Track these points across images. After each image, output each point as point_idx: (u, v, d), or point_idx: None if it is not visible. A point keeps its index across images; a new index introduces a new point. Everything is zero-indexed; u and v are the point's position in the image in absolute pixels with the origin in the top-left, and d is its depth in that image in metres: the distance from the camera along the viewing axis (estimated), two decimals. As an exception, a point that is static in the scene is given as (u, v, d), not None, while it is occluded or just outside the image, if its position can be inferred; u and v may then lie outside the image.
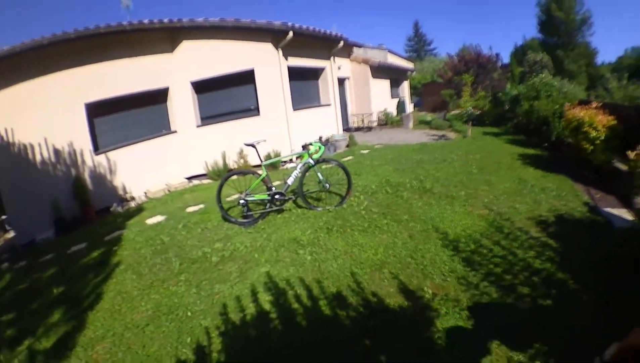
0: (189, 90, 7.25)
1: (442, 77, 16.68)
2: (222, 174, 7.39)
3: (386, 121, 15.44)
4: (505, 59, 19.11)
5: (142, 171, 6.50)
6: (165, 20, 6.49)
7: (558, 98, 7.99)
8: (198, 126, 7.45)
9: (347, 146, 10.11)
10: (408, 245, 3.71)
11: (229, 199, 5.71)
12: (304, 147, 4.69)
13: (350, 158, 8.50)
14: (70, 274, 3.86)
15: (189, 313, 2.85)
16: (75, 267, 3.97)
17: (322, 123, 9.88)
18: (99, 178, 5.77)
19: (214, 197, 5.53)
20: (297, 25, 7.14)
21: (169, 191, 6.72)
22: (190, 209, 5.37)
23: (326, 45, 9.35)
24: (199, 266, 3.54)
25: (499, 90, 11.52)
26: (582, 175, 5.70)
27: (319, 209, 4.81)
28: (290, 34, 7.02)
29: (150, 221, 4.98)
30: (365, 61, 13.66)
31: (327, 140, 9.25)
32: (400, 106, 16.02)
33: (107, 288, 3.41)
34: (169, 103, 7.18)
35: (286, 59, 7.55)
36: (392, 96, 17.17)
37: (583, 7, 35.31)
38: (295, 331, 2.54)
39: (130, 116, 6.66)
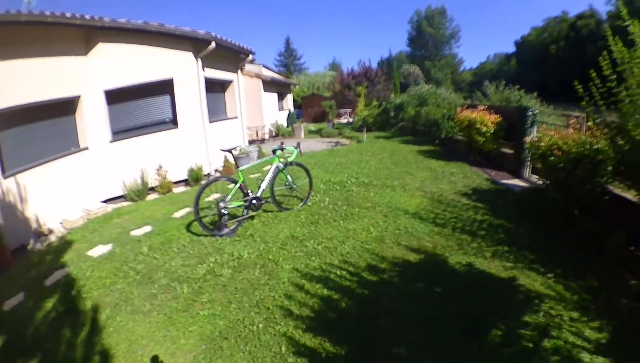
0: (102, 100, 6.35)
1: (330, 90, 18.84)
2: (142, 194, 6.76)
3: (277, 133, 16.43)
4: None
5: (55, 197, 5.26)
6: (87, 16, 5.43)
7: (444, 104, 10.60)
8: (111, 142, 6.57)
9: (258, 156, 10.57)
10: (388, 222, 4.67)
11: (178, 214, 5.49)
12: (274, 151, 5.05)
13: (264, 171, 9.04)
14: (35, 338, 2.84)
15: (254, 328, 2.72)
16: (32, 327, 2.98)
17: (231, 136, 10.02)
18: (9, 208, 4.41)
19: (155, 217, 5.32)
20: (218, 35, 7.29)
21: (88, 218, 5.70)
22: (136, 232, 4.79)
23: (234, 58, 9.62)
24: (213, 283, 3.41)
25: (384, 99, 14.06)
26: (475, 161, 7.97)
27: (290, 209, 5.24)
28: (213, 44, 7.08)
29: (94, 252, 4.25)
30: (257, 75, 14.38)
31: (243, 150, 9.53)
32: (291, 118, 17.31)
33: (111, 342, 2.70)
34: (77, 115, 6.05)
35: (203, 69, 7.54)
36: (280, 109, 18.38)
37: (453, 22, 45.04)
38: (363, 296, 3.04)
39: (37, 130, 5.26)
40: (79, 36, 5.89)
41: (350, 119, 19.72)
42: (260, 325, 2.75)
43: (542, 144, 4.68)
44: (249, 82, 14.38)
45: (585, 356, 2.24)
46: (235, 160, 9.46)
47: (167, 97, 7.27)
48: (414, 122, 12.30)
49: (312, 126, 19.56)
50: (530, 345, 2.38)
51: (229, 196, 4.51)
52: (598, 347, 2.32)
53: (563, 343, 2.36)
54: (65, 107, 5.92)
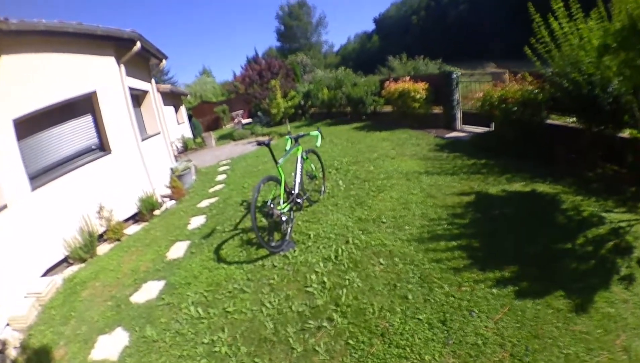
0: (11, 134, 4.11)
1: (235, 93, 17.24)
2: (92, 248, 4.86)
3: (186, 147, 14.51)
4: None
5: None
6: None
7: (362, 83, 10.85)
8: (33, 190, 4.41)
9: (195, 171, 9.20)
10: (416, 183, 4.80)
11: (175, 253, 4.17)
12: (296, 140, 4.31)
13: (224, 176, 7.92)
14: None
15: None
16: None
17: (159, 154, 8.28)
18: None
19: (144, 268, 3.97)
20: (141, 35, 5.66)
21: (42, 304, 3.77)
22: (139, 296, 3.40)
23: (147, 64, 7.76)
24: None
25: (291, 89, 13.66)
26: (412, 126, 8.52)
27: (317, 202, 4.65)
28: (138, 44, 5.40)
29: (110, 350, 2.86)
30: (156, 88, 12.16)
31: (185, 166, 8.05)
32: (197, 128, 15.42)
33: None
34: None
35: (126, 77, 5.83)
36: (178, 122, 16.22)
37: (317, 11, 45.27)
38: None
39: None
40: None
41: (243, 121, 18.74)
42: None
43: (495, 96, 5.55)
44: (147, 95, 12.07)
45: (605, 214, 3.28)
46: (179, 178, 8.01)
47: (89, 118, 5.39)
48: (329, 106, 12.44)
49: (213, 134, 17.91)
50: (576, 215, 3.39)
51: (281, 199, 3.62)
52: (605, 207, 3.44)
53: (590, 210, 3.41)
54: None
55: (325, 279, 2.94)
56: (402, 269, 2.92)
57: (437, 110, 8.34)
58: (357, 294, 2.69)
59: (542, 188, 4.07)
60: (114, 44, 5.42)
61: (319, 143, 4.51)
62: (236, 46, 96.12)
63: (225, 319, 2.73)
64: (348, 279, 2.90)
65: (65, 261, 4.77)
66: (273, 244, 3.53)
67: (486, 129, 6.94)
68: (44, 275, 4.42)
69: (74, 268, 4.62)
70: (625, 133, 4.27)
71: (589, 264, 2.64)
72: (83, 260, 4.76)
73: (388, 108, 10.03)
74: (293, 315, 2.60)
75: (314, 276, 3.01)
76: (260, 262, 3.43)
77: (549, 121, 5.34)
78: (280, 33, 46.95)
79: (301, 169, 4.17)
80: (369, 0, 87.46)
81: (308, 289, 2.86)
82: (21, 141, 4.36)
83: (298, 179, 4.06)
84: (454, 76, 7.61)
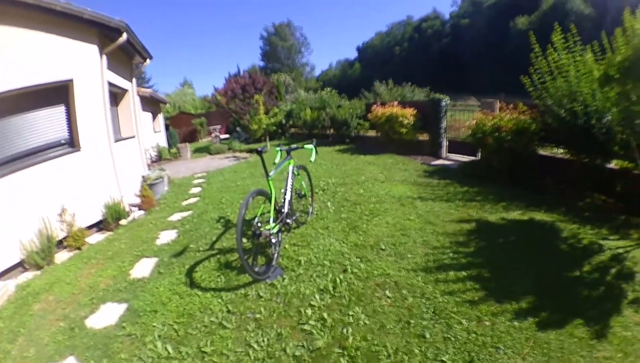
0: None
1: (216, 105, 16.56)
2: (49, 254, 4.07)
3: (160, 156, 13.64)
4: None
5: None
6: None
7: (347, 105, 10.70)
8: None
9: (168, 181, 8.50)
10: (411, 208, 4.55)
11: (140, 272, 3.53)
12: (288, 153, 3.89)
13: (199, 189, 7.31)
14: None
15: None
16: None
17: (132, 161, 7.55)
18: None
19: (102, 286, 3.35)
20: (129, 27, 5.13)
21: None
22: (95, 321, 2.67)
23: (130, 61, 7.14)
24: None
25: (274, 106, 13.30)
26: (396, 151, 8.37)
27: (304, 223, 4.22)
28: (124, 35, 4.84)
29: None
30: (137, 91, 11.40)
31: (157, 175, 7.36)
32: (174, 138, 14.60)
33: None
34: None
35: (107, 71, 5.23)
36: (154, 130, 15.35)
37: (301, 31, 45.48)
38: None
39: None
40: None
41: (221, 136, 18.14)
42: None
43: (489, 124, 5.52)
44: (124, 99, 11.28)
45: (603, 242, 3.32)
46: (150, 187, 7.29)
47: (62, 108, 4.72)
48: (311, 127, 12.21)
49: (189, 146, 17.10)
50: (577, 243, 3.37)
51: (271, 218, 3.14)
52: (601, 235, 3.49)
53: (588, 238, 3.43)
54: None
55: (325, 314, 2.48)
56: (412, 303, 2.56)
57: (422, 137, 8.34)
58: (365, 333, 2.27)
59: (540, 216, 4.03)
60: (98, 32, 4.86)
61: (313, 158, 4.11)
62: (218, 63, 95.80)
63: (200, 361, 2.20)
64: (352, 315, 2.47)
65: (21, 266, 4.01)
66: (257, 269, 3.02)
67: (472, 158, 6.98)
68: (-1, 277, 3.64)
69: (29, 274, 3.89)
70: (612, 164, 4.49)
71: (599, 290, 2.64)
72: (39, 267, 4.03)
73: (372, 133, 9.94)
74: (289, 360, 2.12)
75: (309, 311, 2.54)
76: (242, 290, 2.90)
77: (538, 151, 5.45)
78: (265, 52, 47.21)
79: (292, 185, 3.72)
80: (352, 29, 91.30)
81: (304, 327, 2.40)
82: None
83: (288, 197, 3.58)
84: (443, 103, 7.66)
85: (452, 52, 39.40)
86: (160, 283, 3.19)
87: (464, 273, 2.90)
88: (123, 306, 2.91)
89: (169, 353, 2.28)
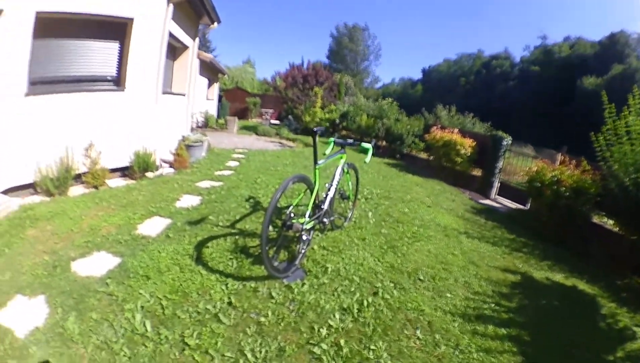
0: (29, 26, 3.29)
1: (273, 89, 16.57)
2: (64, 185, 3.93)
3: (207, 123, 13.72)
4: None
5: None
6: None
7: (405, 121, 10.12)
8: (27, 95, 3.52)
9: (207, 148, 8.31)
10: (455, 242, 4.04)
11: (147, 230, 3.16)
12: (343, 146, 3.38)
13: (236, 164, 6.99)
14: None
15: None
16: None
17: (176, 117, 7.42)
18: None
19: (104, 232, 3.00)
20: None
21: None
22: (83, 268, 2.35)
23: (196, 19, 7.07)
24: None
25: (331, 103, 12.93)
26: (445, 179, 7.67)
27: (340, 228, 3.70)
28: None
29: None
30: (197, 52, 11.53)
31: (197, 139, 7.16)
32: (224, 108, 14.65)
33: None
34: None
35: (171, 21, 5.08)
36: (207, 97, 15.53)
37: (375, 40, 45.27)
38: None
39: None
40: None
41: (272, 121, 18.05)
42: None
43: (548, 175, 5.08)
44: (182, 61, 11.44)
45: (636, 329, 2.84)
46: (187, 149, 7.05)
47: (116, 45, 4.59)
48: (363, 133, 11.68)
49: (238, 121, 17.18)
50: (614, 324, 2.92)
51: (308, 211, 2.64)
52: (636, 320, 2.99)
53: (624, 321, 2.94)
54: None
55: (342, 341, 1.95)
56: (444, 353, 2.02)
57: (475, 172, 7.58)
58: (386, 380, 1.70)
59: (582, 285, 3.61)
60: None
61: (368, 159, 3.52)
62: (282, 51, 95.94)
63: (179, 353, 1.73)
64: (373, 350, 1.94)
65: (32, 188, 3.84)
66: (276, 264, 2.53)
67: (520, 206, 6.36)
68: (4, 192, 3.47)
69: (37, 198, 3.73)
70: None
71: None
72: (50, 194, 3.86)
73: (424, 155, 9.34)
74: (286, 389, 1.60)
75: (324, 331, 2.01)
76: (252, 284, 2.42)
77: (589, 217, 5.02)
78: (332, 51, 46.76)
79: (338, 182, 3.20)
80: (420, 50, 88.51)
81: (314, 349, 1.87)
82: (36, 40, 3.52)
83: (331, 194, 3.07)
84: (505, 142, 6.91)
85: (516, 96, 37.30)
86: (164, 248, 2.80)
87: (504, 330, 2.40)
88: (116, 260, 2.54)
89: (145, 330, 1.85)
